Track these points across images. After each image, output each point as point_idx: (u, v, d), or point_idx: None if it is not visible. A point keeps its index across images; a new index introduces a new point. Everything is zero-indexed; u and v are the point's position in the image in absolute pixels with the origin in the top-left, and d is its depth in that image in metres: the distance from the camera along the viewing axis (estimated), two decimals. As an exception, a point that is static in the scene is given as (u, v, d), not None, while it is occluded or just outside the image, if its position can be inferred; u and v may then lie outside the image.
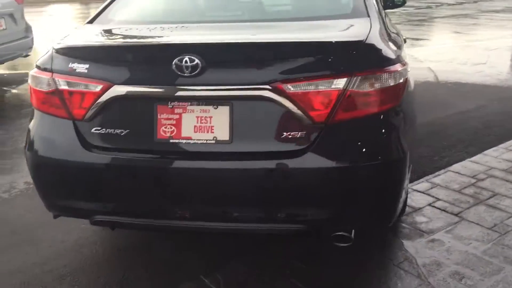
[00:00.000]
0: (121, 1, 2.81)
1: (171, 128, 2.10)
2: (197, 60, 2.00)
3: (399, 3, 4.58)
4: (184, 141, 2.10)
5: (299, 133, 2.04)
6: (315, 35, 2.24)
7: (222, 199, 2.12)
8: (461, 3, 18.70)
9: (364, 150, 2.07)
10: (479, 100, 5.64)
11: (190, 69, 2.01)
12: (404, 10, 16.56)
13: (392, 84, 2.09)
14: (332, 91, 2.01)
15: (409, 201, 3.23)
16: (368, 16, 2.38)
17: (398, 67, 2.13)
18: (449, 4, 18.42)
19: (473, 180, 3.54)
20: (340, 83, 2.01)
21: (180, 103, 2.09)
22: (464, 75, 6.94)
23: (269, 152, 2.06)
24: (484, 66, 7.53)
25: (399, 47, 2.45)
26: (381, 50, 2.14)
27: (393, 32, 2.64)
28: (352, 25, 2.33)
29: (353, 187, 2.08)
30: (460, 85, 6.41)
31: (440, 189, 3.42)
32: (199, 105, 2.08)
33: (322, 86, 2.01)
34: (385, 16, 3.41)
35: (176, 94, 2.07)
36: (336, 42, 2.11)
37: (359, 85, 2.03)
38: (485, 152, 4.07)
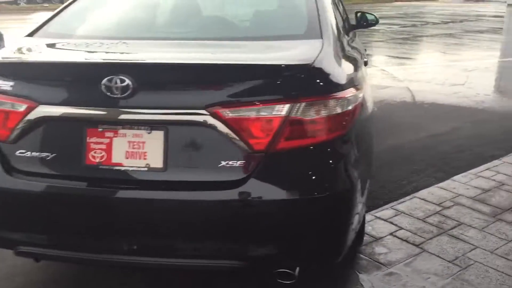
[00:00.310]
0: (67, 13, 2.66)
1: (101, 153, 1.95)
2: (127, 81, 1.85)
3: (373, 22, 4.50)
4: (114, 167, 1.94)
5: (238, 162, 1.89)
6: (259, 57, 2.11)
7: (154, 233, 1.96)
8: (447, 23, 18.85)
9: (307, 181, 1.92)
10: (453, 122, 5.56)
11: (120, 90, 1.86)
12: (389, 28, 16.64)
13: (340, 111, 1.96)
14: (274, 118, 1.87)
15: (370, 230, 3.10)
16: (321, 37, 2.25)
17: (347, 93, 2.01)
18: (434, 23, 18.55)
19: (439, 208, 3.41)
20: (282, 109, 1.87)
21: (111, 126, 1.94)
22: (441, 95, 6.87)
23: (205, 182, 1.91)
24: (462, 87, 7.48)
25: (354, 70, 2.33)
26: (329, 74, 2.01)
27: (351, 55, 2.52)
28: (301, 47, 2.20)
29: (295, 221, 1.93)
30: (436, 106, 6.32)
31: (404, 217, 3.28)
32: (131, 129, 1.93)
33: (263, 112, 1.87)
34: (351, 36, 3.33)
35: (105, 117, 1.92)
36: (279, 65, 1.97)
37: (303, 112, 1.89)
38: (454, 177, 3.95)
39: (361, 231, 2.70)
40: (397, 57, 10.57)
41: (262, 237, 1.94)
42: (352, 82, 2.14)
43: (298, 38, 2.29)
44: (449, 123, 5.52)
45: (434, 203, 3.49)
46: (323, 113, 1.92)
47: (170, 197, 1.91)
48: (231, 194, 1.86)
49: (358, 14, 4.59)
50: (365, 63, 3.05)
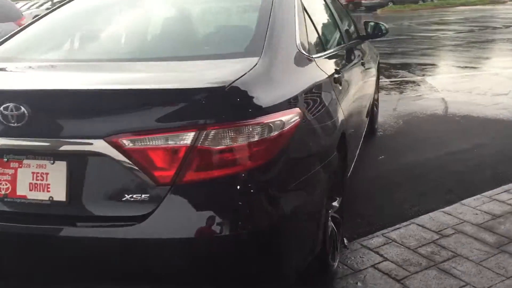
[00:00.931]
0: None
1: (6, 184, 1.84)
2: (23, 109, 1.74)
3: (385, 32, 4.25)
4: (19, 200, 1.83)
5: (142, 195, 1.73)
6: (171, 80, 1.94)
7: (56, 271, 1.82)
8: (508, 27, 17.79)
9: (217, 218, 1.73)
10: (481, 138, 5.11)
11: (16, 118, 1.75)
12: (443, 34, 15.94)
13: (257, 138, 1.75)
14: (179, 148, 1.70)
15: (351, 261, 2.83)
16: (260, 55, 2.05)
17: (270, 117, 1.79)
18: (494, 28, 17.57)
19: (436, 236, 3.08)
20: (187, 138, 1.69)
21: (15, 156, 1.83)
22: (478, 107, 6.38)
23: (109, 217, 1.76)
24: (505, 97, 6.93)
25: (302, 90, 2.10)
26: (247, 98, 1.81)
27: (307, 72, 2.29)
28: (229, 67, 2.01)
29: (200, 264, 1.73)
30: (469, 119, 5.86)
31: (393, 246, 2.98)
32: (35, 159, 1.81)
33: (167, 141, 1.70)
34: (345, 47, 3.12)
35: (6, 147, 1.81)
36: (186, 89, 1.79)
37: (212, 141, 1.70)
38: (464, 201, 3.58)
39: (324, 262, 2.45)
40: (441, 65, 10.03)
41: (166, 280, 1.75)
42: (285, 105, 1.92)
43: (234, 56, 2.10)
44: (476, 139, 5.09)
45: (432, 231, 3.16)
46: (237, 141, 1.72)
47: (72, 233, 1.77)
48: (132, 231, 1.70)
49: (368, 24, 4.33)
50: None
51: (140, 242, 1.71)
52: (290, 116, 1.91)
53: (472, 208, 3.45)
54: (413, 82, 8.30)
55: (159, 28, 2.62)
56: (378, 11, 31.82)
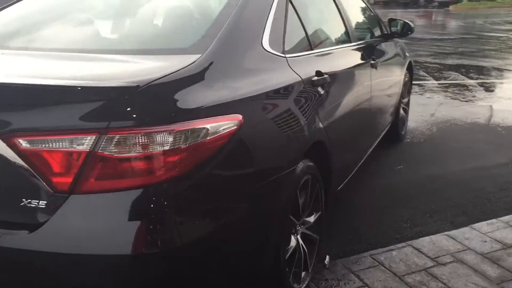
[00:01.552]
0: None
1: None
2: None
3: (408, 31, 3.93)
4: None
5: (39, 202, 1.56)
6: (80, 75, 1.75)
7: None
8: None
9: (117, 235, 1.54)
10: (520, 152, 4.63)
11: None
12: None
13: (168, 148, 1.54)
14: (78, 152, 1.52)
15: (326, 283, 2.58)
16: (203, 53, 1.83)
17: (185, 125, 1.57)
18: None
19: (430, 264, 2.75)
20: (87, 142, 1.51)
21: None
22: (526, 117, 5.82)
23: (7, 223, 1.61)
24: (561, 108, 6.29)
25: (235, 96, 1.83)
26: (165, 101, 1.60)
27: (247, 74, 2.00)
28: (158, 64, 1.80)
29: (94, 285, 1.55)
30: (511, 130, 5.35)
31: (377, 271, 2.68)
32: None
33: (65, 144, 1.52)
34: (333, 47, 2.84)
35: None
36: (92, 87, 1.60)
37: (115, 147, 1.51)
38: (475, 225, 3.20)
39: (282, 284, 2.21)
40: (501, 69, 9.31)
41: None
42: (219, 110, 1.69)
43: (175, 53, 1.89)
44: (513, 153, 4.61)
45: (428, 256, 2.82)
46: (144, 149, 1.52)
47: None
48: (18, 241, 1.54)
49: (391, 22, 3.99)
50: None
51: (25, 254, 1.55)
52: (222, 124, 1.68)
53: (481, 234, 3.07)
54: (464, 85, 7.73)
55: (106, 17, 2.44)
56: (451, 7, 30.32)
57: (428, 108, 6.25)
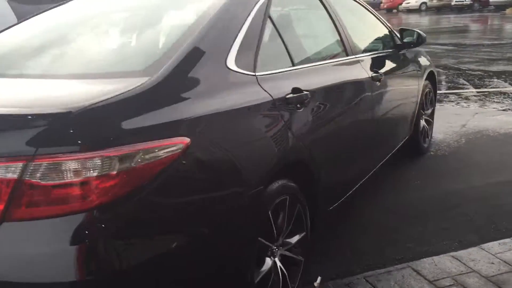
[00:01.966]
0: None
1: None
2: None
3: (419, 41, 3.83)
4: None
5: None
6: (15, 101, 1.76)
7: None
8: None
9: (49, 262, 1.53)
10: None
11: None
12: None
13: (97, 174, 1.52)
14: (7, 180, 1.52)
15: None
16: (153, 75, 1.81)
17: (117, 150, 1.55)
18: None
19: (428, 287, 2.59)
20: (15, 169, 1.51)
21: None
22: None
23: None
24: None
25: (183, 118, 1.78)
26: (96, 126, 1.59)
27: (202, 95, 1.92)
28: (101, 88, 1.79)
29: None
30: (548, 142, 5.03)
31: (368, 294, 2.56)
32: None
33: None
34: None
35: None
36: (22, 114, 1.61)
37: (43, 174, 1.51)
38: (486, 245, 3.00)
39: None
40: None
41: None
42: (160, 133, 1.67)
43: (126, 76, 1.88)
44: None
45: (426, 279, 2.67)
46: (74, 175, 1.51)
47: None
48: None
49: (403, 32, 3.87)
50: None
51: None
52: (163, 147, 1.65)
53: (490, 255, 2.87)
54: (505, 93, 7.36)
55: (63, 41, 2.45)
56: (507, 10, 29.16)
57: (461, 118, 5.98)
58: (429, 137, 4.84)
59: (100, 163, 1.52)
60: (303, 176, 2.46)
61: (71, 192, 1.52)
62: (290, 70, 2.50)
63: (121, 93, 1.69)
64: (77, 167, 1.51)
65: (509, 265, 2.76)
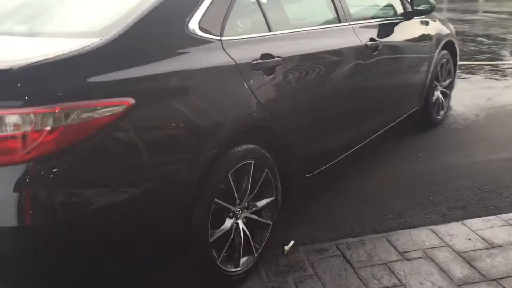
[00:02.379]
0: None
1: None
2: None
3: (428, 9, 3.74)
4: None
5: None
6: None
7: None
8: None
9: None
10: None
11: None
12: None
13: (36, 128, 1.64)
14: None
15: (274, 268, 2.55)
16: (105, 35, 1.89)
17: (63, 106, 1.66)
18: None
19: (395, 258, 2.61)
20: None
21: None
22: None
23: None
24: None
25: (129, 80, 1.85)
26: (41, 82, 1.69)
27: (156, 57, 1.98)
28: (52, 48, 1.88)
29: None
30: None
31: (335, 261, 2.60)
32: None
33: None
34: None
35: None
36: None
37: None
38: (468, 220, 2.97)
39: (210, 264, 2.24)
40: None
41: None
42: (101, 94, 1.75)
43: (82, 36, 1.96)
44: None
45: (396, 250, 2.68)
46: (19, 128, 1.64)
47: None
48: None
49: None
50: None
51: None
52: (105, 107, 1.74)
53: (470, 231, 2.84)
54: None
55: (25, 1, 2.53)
56: None
57: (489, 92, 5.78)
58: (445, 109, 4.71)
59: (38, 118, 1.63)
60: (273, 143, 2.50)
61: (10, 144, 1.63)
62: (264, 36, 2.51)
63: (67, 53, 1.77)
64: (16, 121, 1.62)
65: (486, 242, 2.73)
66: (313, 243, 2.78)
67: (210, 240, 2.22)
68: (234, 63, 2.23)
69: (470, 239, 2.76)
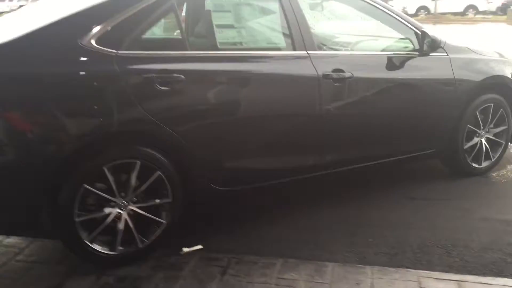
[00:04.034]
0: None
1: None
2: None
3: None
4: None
5: None
6: None
7: None
8: None
9: None
10: None
11: None
12: None
13: None
14: None
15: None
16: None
17: None
18: None
19: (272, 282, 2.64)
20: None
21: None
22: None
23: None
24: None
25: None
26: None
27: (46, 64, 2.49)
28: None
29: None
30: None
31: (209, 268, 2.75)
32: None
33: None
34: None
35: None
36: None
37: None
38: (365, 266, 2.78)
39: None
40: None
41: None
42: None
43: None
44: None
45: (279, 277, 2.71)
46: None
47: None
48: None
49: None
50: None
51: None
52: None
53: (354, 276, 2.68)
54: None
55: None
56: None
57: None
58: (493, 160, 4.21)
59: None
60: (175, 151, 2.80)
61: None
62: (169, 54, 2.83)
63: None
64: None
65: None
66: (212, 252, 2.94)
67: (78, 220, 2.62)
68: (122, 74, 2.61)
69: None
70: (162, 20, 2.90)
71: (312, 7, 3.93)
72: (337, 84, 3.24)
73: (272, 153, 3.17)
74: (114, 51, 2.64)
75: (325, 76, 3.19)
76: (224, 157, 3.00)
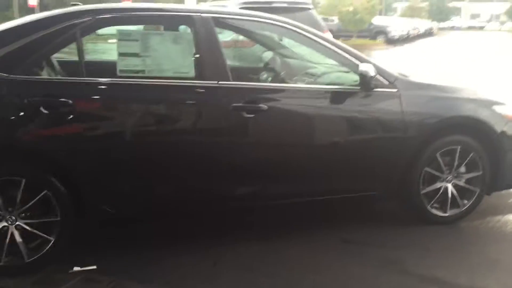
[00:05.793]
0: None
1: None
2: None
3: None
4: None
5: None
6: None
7: None
8: None
9: None
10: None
11: None
12: None
13: None
14: None
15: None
16: None
17: None
18: None
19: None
20: None
21: None
22: None
23: None
24: None
25: None
26: None
27: None
28: None
29: None
30: None
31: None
32: None
33: None
34: None
35: None
36: None
37: None
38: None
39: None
40: None
41: None
42: None
43: None
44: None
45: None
46: None
47: None
48: None
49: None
50: None
51: None
52: None
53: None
54: None
55: None
56: None
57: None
58: (462, 208, 3.80)
59: None
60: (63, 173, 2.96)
61: None
62: (61, 79, 3.06)
63: None
64: None
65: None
66: (101, 274, 3.01)
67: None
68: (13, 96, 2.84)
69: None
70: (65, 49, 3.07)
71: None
72: (250, 115, 3.17)
73: (172, 181, 3.19)
74: (6, 74, 2.85)
75: (235, 108, 3.14)
76: (118, 181, 3.07)
